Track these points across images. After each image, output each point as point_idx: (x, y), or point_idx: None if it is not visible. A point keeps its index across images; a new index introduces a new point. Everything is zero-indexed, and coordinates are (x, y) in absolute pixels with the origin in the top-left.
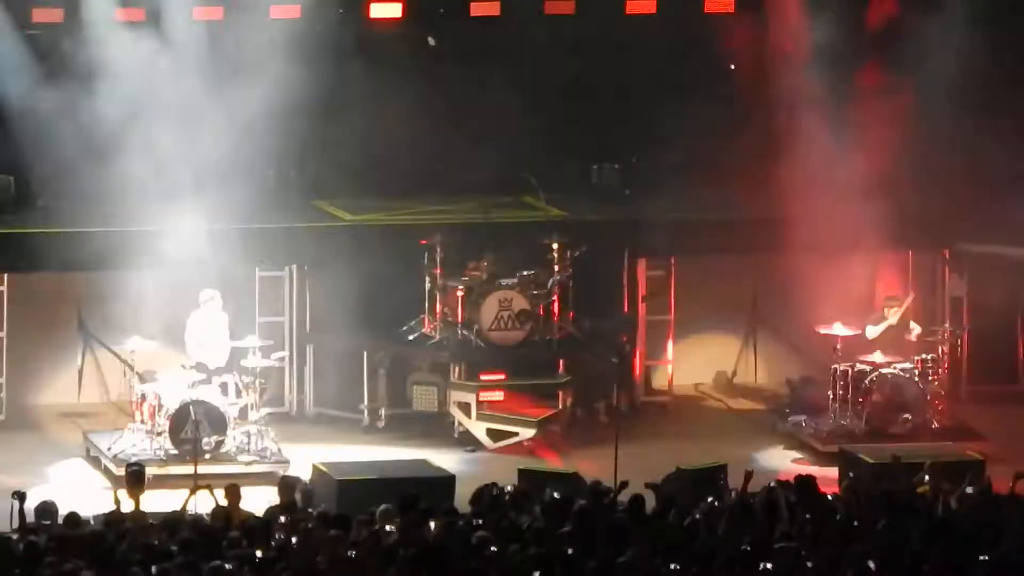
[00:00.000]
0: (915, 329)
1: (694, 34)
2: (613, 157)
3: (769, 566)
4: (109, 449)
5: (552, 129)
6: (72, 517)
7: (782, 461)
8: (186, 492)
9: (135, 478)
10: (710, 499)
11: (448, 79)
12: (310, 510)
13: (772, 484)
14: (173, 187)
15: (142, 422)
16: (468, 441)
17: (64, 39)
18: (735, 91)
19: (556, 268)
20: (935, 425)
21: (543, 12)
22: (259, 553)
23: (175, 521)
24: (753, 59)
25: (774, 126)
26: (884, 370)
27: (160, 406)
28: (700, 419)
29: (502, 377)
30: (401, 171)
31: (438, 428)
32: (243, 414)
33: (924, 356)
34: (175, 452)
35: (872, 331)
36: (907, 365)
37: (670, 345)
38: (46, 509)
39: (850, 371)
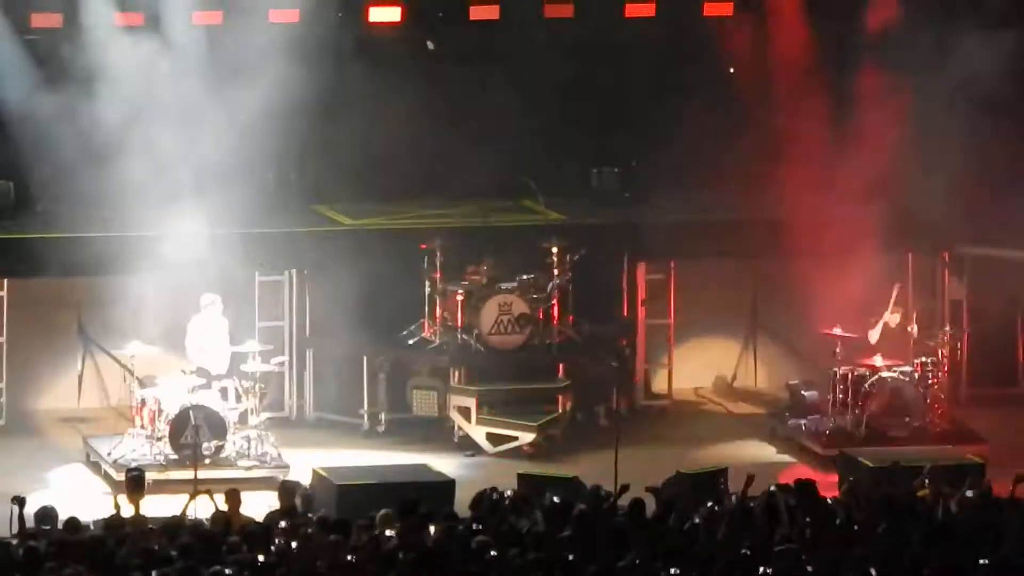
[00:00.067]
0: (913, 329)
1: (693, 37)
2: (613, 160)
3: (769, 570)
4: (109, 454)
5: (551, 132)
6: (72, 522)
7: (782, 465)
8: (186, 497)
9: (135, 483)
10: (710, 503)
11: (447, 82)
12: (310, 515)
13: (772, 488)
14: (173, 191)
15: (142, 427)
16: (468, 445)
17: (63, 44)
18: (734, 94)
19: (556, 272)
20: (935, 428)
21: (542, 15)
22: (259, 558)
23: (175, 526)
24: (752, 62)
25: (773, 129)
26: (884, 374)
27: (160, 411)
28: (700, 423)
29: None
30: (401, 174)
31: (438, 432)
32: (243, 419)
33: (924, 359)
34: (175, 457)
35: (873, 335)
36: (907, 368)
37: (670, 349)
38: (46, 514)
39: (850, 375)
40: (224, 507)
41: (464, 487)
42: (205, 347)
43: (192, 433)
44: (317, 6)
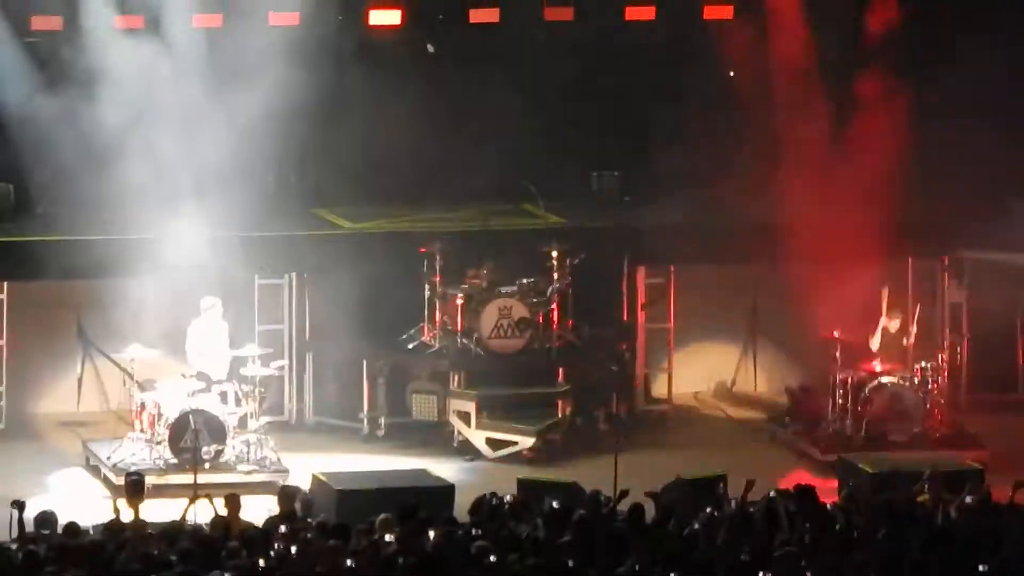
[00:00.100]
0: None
1: (693, 40)
2: (612, 164)
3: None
4: (108, 458)
5: (551, 135)
6: (71, 526)
7: (781, 470)
8: (185, 501)
9: (135, 487)
10: (709, 508)
11: (447, 85)
12: (309, 520)
13: (771, 493)
14: (173, 194)
15: (142, 431)
16: (467, 450)
17: (63, 46)
18: (734, 98)
19: (555, 276)
20: (935, 434)
21: (542, 18)
22: (259, 563)
23: (174, 531)
24: (752, 65)
25: (773, 133)
26: (883, 379)
27: (160, 415)
28: (699, 428)
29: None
30: (401, 178)
31: (437, 437)
32: (243, 423)
33: (923, 364)
34: (175, 461)
35: (874, 343)
36: (906, 374)
37: (670, 353)
38: (45, 518)
39: (849, 379)
40: (224, 512)
41: (463, 492)
42: (205, 351)
43: (192, 437)
44: (317, 9)
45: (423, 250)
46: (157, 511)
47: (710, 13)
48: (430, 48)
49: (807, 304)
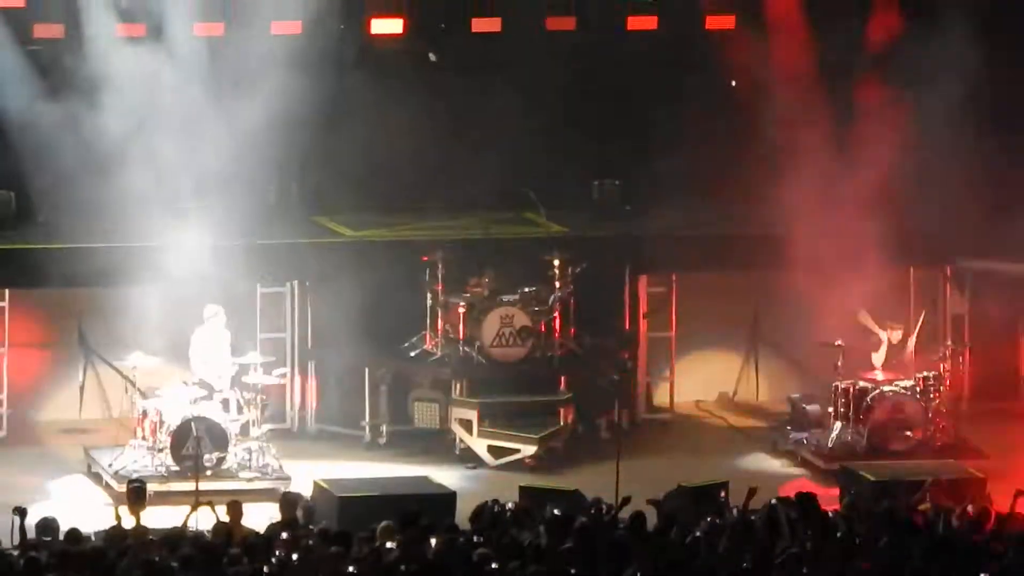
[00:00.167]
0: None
1: (695, 50)
2: (614, 172)
3: None
4: (110, 465)
5: (553, 144)
6: (73, 533)
7: (783, 478)
8: (187, 508)
9: (136, 494)
10: (711, 516)
11: (449, 94)
12: (311, 527)
13: (773, 501)
14: (174, 201)
15: (143, 438)
16: (469, 458)
17: (65, 54)
18: (736, 107)
19: (557, 284)
20: (936, 443)
21: (544, 27)
22: (261, 569)
23: (176, 537)
24: (754, 75)
25: (775, 142)
26: (885, 387)
27: (161, 422)
28: (701, 436)
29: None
30: (402, 186)
31: (439, 445)
32: (244, 430)
33: (925, 373)
34: (176, 468)
35: (877, 359)
36: (908, 382)
37: (671, 362)
38: (47, 525)
39: (851, 388)
40: (225, 519)
41: (465, 499)
42: (209, 359)
43: (194, 444)
44: (319, 18)
45: (425, 258)
46: (159, 518)
47: (712, 23)
48: (432, 57)
49: (809, 313)
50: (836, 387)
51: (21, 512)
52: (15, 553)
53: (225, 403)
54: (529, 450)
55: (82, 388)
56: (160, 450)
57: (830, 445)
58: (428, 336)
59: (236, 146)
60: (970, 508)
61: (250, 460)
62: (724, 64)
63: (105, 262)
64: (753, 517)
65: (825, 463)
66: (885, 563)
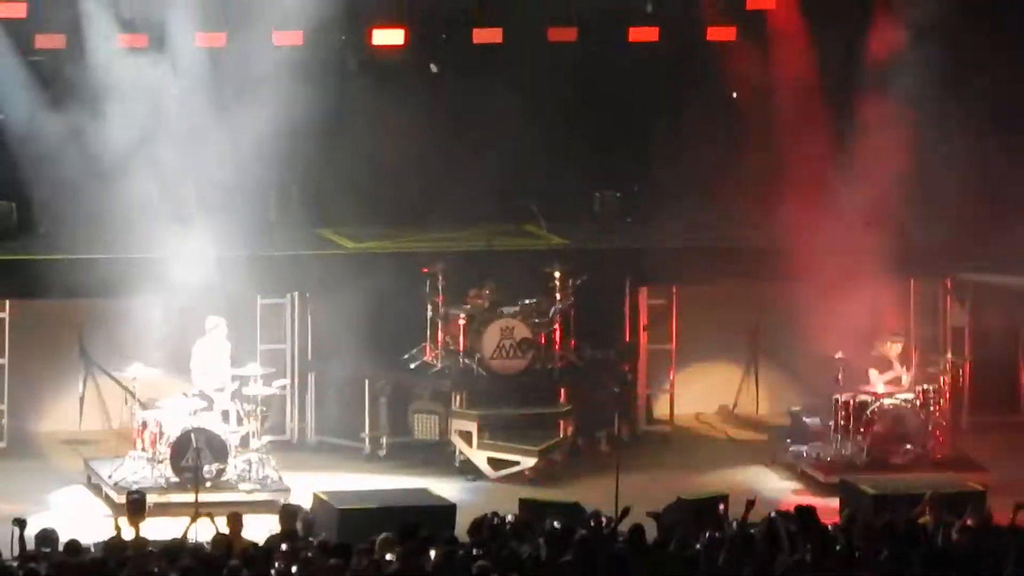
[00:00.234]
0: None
1: (696, 62)
2: (615, 185)
3: None
4: (110, 476)
5: (554, 156)
6: (73, 545)
7: (783, 491)
8: (187, 520)
9: (136, 506)
10: (710, 530)
11: (450, 105)
12: (311, 539)
13: (772, 514)
14: (175, 213)
15: (143, 450)
16: (469, 470)
17: (67, 65)
18: (737, 119)
19: (558, 296)
20: (936, 456)
21: (545, 38)
22: None
23: (176, 549)
24: (755, 87)
25: (776, 154)
26: (885, 400)
27: (161, 434)
28: (701, 449)
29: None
30: (403, 197)
31: (439, 457)
32: (244, 442)
33: (925, 386)
34: (176, 480)
35: (878, 384)
36: (908, 395)
37: (672, 374)
38: (47, 536)
39: (851, 401)
40: (225, 530)
41: (465, 512)
42: (210, 370)
43: (193, 456)
44: (321, 28)
45: (425, 270)
46: (158, 529)
47: (713, 34)
48: (433, 68)
49: (809, 325)
50: (836, 400)
51: (20, 523)
52: (15, 564)
53: (225, 414)
54: (529, 462)
55: (82, 399)
56: (160, 461)
57: (830, 458)
58: (428, 348)
59: (237, 157)
60: (970, 521)
61: (250, 472)
62: (725, 75)
63: (106, 273)
64: (753, 530)
65: (825, 476)
66: None
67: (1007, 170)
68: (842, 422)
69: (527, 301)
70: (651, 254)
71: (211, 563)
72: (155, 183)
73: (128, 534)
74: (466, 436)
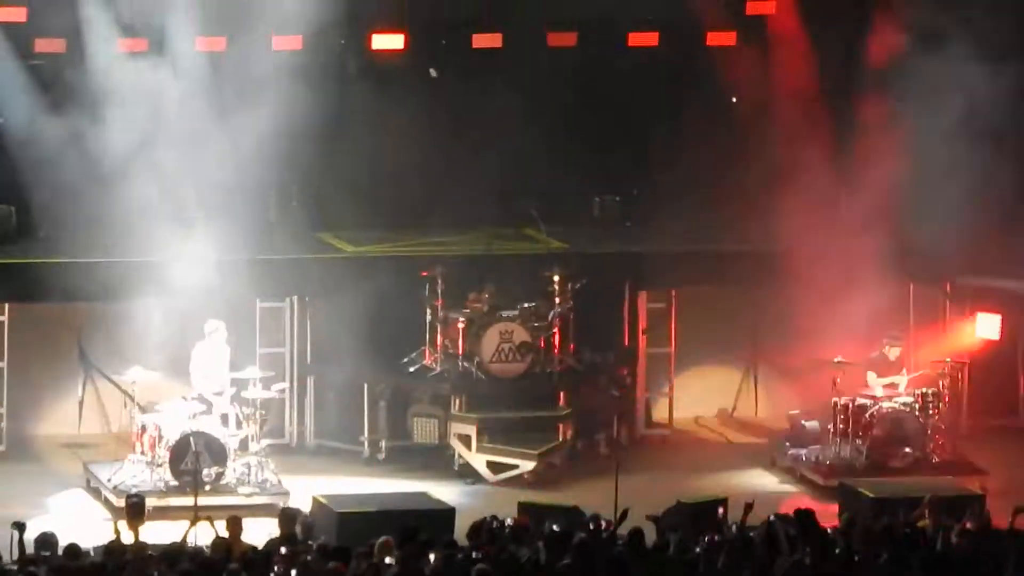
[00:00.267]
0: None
1: (696, 66)
2: (614, 189)
3: None
4: (109, 480)
5: (553, 160)
6: (72, 548)
7: (782, 495)
8: (186, 523)
9: (135, 509)
10: (709, 533)
11: (450, 109)
12: (310, 542)
13: (771, 518)
14: (175, 216)
15: (142, 453)
16: (468, 473)
17: (67, 69)
18: (737, 123)
19: (557, 300)
20: (935, 459)
21: (545, 43)
22: None
23: (175, 553)
24: (755, 91)
25: (776, 158)
26: (884, 404)
27: (160, 437)
28: (700, 452)
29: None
30: (403, 201)
31: (438, 460)
32: (243, 445)
33: (924, 390)
34: (175, 483)
35: (875, 381)
36: (907, 399)
37: (671, 378)
38: (46, 540)
39: (850, 405)
40: (224, 534)
41: (464, 515)
42: (209, 374)
43: (192, 459)
44: (320, 33)
45: (424, 274)
46: (158, 533)
47: (713, 39)
48: (433, 73)
49: (809, 328)
50: (835, 403)
51: (20, 527)
52: (14, 568)
53: (224, 418)
54: (528, 466)
55: (81, 403)
56: (159, 465)
57: (829, 461)
58: (427, 351)
59: (237, 161)
60: (969, 524)
61: (249, 475)
62: (725, 80)
63: (105, 277)
64: (752, 534)
65: (824, 479)
66: None
67: (1006, 174)
68: (841, 426)
69: (526, 305)
70: (650, 258)
71: (210, 567)
72: (155, 187)
73: (127, 538)
74: (465, 440)
